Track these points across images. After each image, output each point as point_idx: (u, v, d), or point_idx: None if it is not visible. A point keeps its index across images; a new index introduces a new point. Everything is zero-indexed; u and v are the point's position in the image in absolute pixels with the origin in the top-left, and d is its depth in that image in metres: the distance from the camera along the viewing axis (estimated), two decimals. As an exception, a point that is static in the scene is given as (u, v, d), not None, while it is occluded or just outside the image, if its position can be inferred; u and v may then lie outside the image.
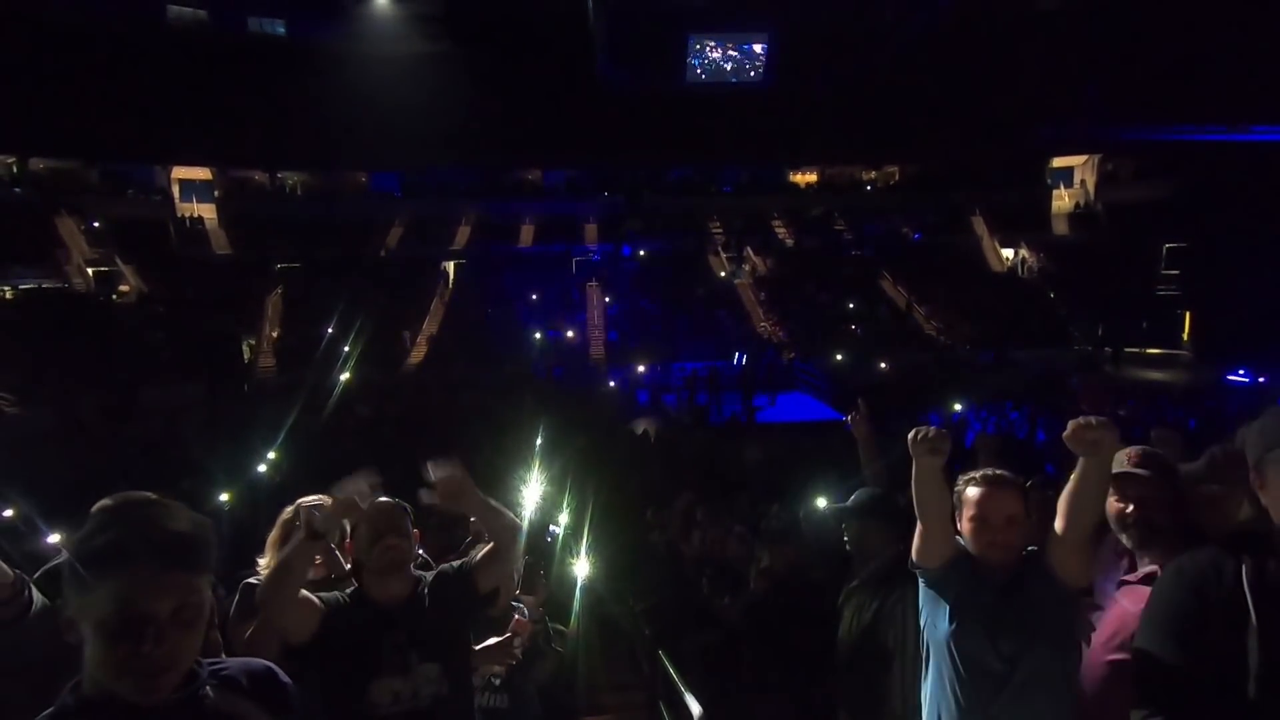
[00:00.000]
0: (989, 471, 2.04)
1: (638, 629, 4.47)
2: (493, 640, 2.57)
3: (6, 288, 22.52)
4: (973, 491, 2.01)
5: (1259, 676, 1.32)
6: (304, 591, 1.94)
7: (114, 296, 23.92)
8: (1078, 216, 30.55)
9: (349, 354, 19.29)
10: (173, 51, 25.92)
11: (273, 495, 6.27)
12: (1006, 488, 2.00)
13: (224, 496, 7.06)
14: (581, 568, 4.10)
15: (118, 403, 16.80)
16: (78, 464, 10.20)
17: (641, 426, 12.89)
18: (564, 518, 4.82)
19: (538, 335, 22.93)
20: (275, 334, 23.51)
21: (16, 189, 25.49)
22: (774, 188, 33.13)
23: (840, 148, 30.73)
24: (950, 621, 1.98)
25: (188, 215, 28.30)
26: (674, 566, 5.02)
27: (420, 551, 2.47)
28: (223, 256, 27.36)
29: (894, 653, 2.44)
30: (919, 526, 2.02)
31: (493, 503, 2.12)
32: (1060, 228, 30.45)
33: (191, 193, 29.05)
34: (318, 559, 2.13)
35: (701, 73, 30.67)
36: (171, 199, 28.48)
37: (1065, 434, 1.78)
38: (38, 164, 26.52)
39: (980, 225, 29.99)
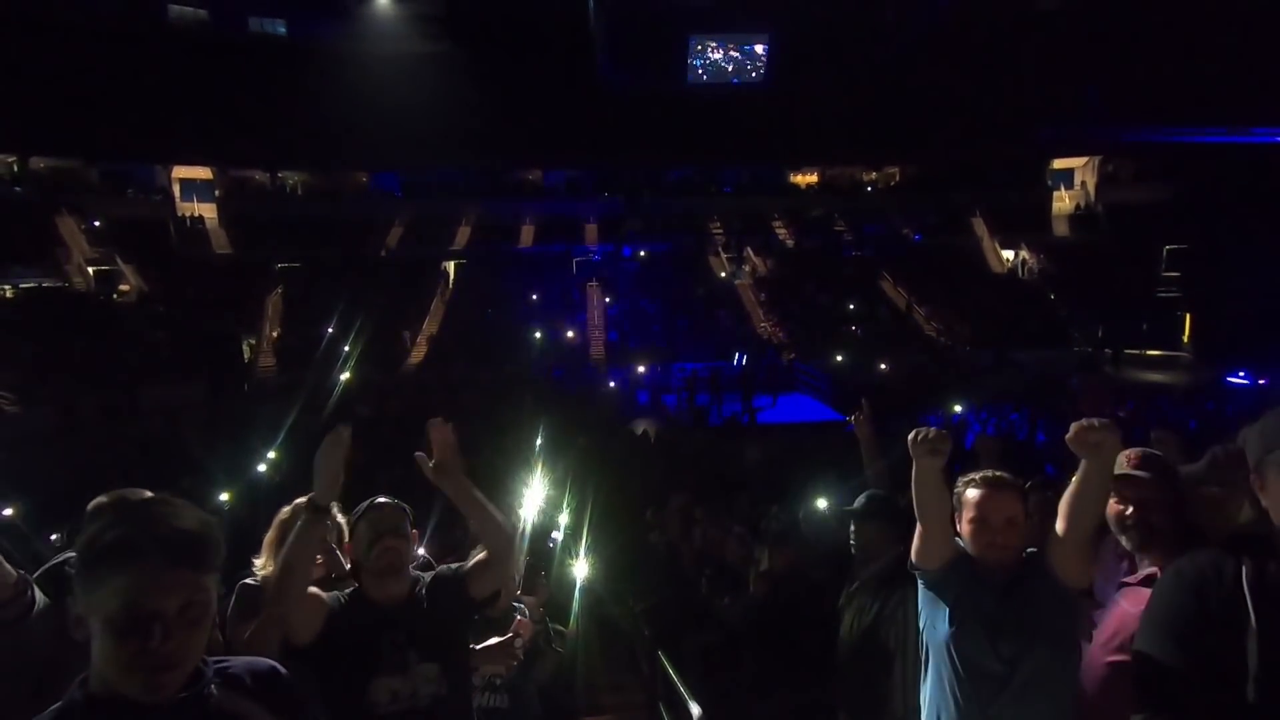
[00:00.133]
0: (989, 473, 2.04)
1: (637, 630, 4.47)
2: (494, 640, 2.57)
3: (7, 287, 22.51)
4: (972, 493, 2.01)
5: (1258, 678, 1.32)
6: (311, 588, 1.93)
7: (114, 296, 23.92)
8: (1078, 218, 30.55)
9: (349, 354, 19.29)
10: (173, 51, 25.98)
11: (272, 495, 6.26)
12: (1006, 489, 2.00)
13: (224, 496, 7.06)
14: (581, 569, 4.10)
15: (118, 402, 16.82)
16: (78, 463, 10.22)
17: (641, 427, 12.91)
18: (564, 518, 4.82)
19: (538, 335, 22.94)
20: (275, 334, 23.52)
21: (17, 188, 25.49)
22: (774, 188, 33.12)
23: (841, 148, 30.75)
24: (950, 623, 1.98)
25: (188, 215, 28.30)
26: (673, 567, 5.02)
27: (422, 551, 2.47)
28: (223, 256, 27.36)
29: (895, 654, 2.44)
30: (918, 527, 2.02)
31: (480, 498, 2.09)
32: (1060, 229, 30.44)
33: (192, 192, 29.06)
34: (319, 558, 2.12)
35: (703, 73, 30.73)
36: (172, 198, 28.49)
37: (1068, 436, 1.78)
38: (38, 163, 26.51)
39: (980, 226, 29.98)
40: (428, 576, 2.17)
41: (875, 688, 2.48)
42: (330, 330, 20.68)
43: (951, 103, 27.57)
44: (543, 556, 3.84)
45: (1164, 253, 25.94)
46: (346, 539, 2.20)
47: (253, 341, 23.07)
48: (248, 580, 2.34)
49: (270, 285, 25.27)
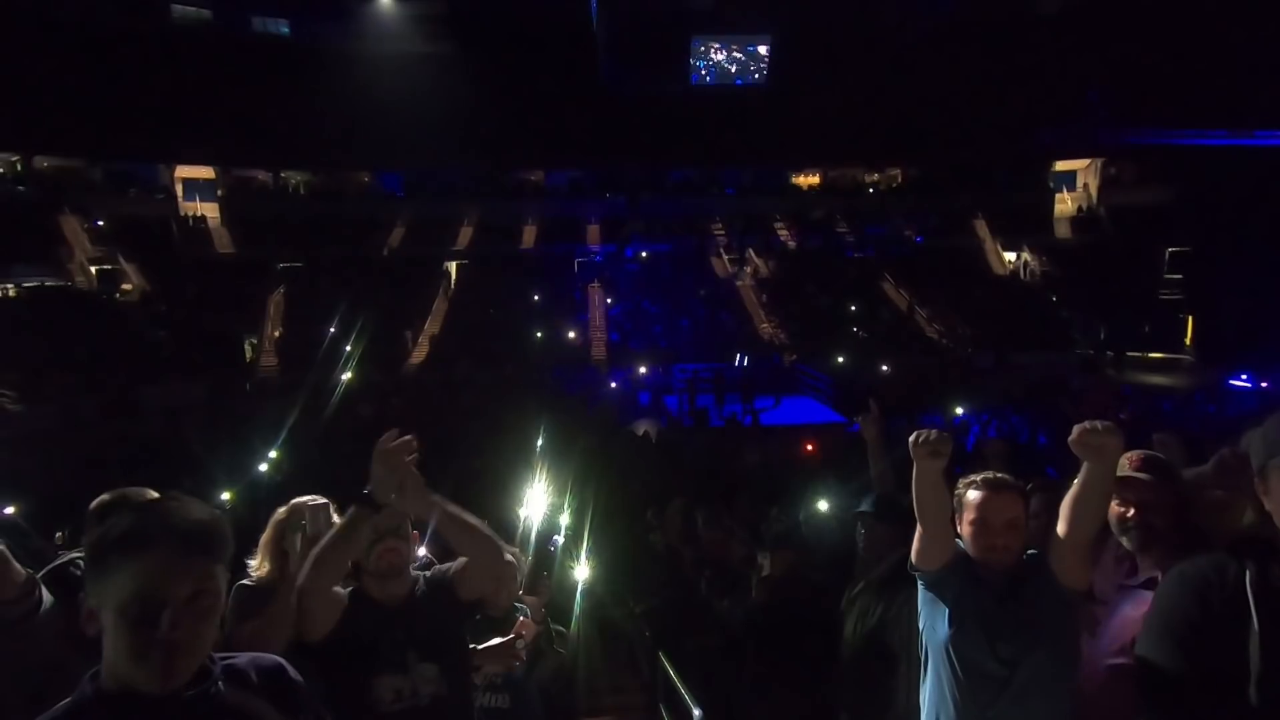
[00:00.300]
0: (990, 475, 2.04)
1: (638, 631, 4.47)
2: (497, 640, 2.57)
3: (10, 285, 22.57)
4: (973, 494, 2.01)
5: (1261, 681, 1.32)
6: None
7: (117, 295, 23.97)
8: (1080, 220, 30.52)
9: (351, 354, 19.30)
10: (177, 51, 26.02)
11: (274, 495, 6.27)
12: (1007, 491, 2.00)
13: (225, 496, 7.05)
14: (582, 570, 4.10)
15: (119, 401, 16.85)
16: (79, 462, 10.22)
17: (642, 428, 12.90)
18: (565, 518, 4.82)
19: (539, 335, 22.94)
20: (277, 333, 23.54)
21: (21, 187, 25.55)
22: (776, 190, 33.12)
23: (843, 150, 30.76)
24: (949, 624, 1.98)
25: (191, 214, 28.35)
26: (674, 568, 5.01)
27: (423, 551, 2.47)
28: (225, 255, 27.40)
29: (899, 656, 2.43)
30: (918, 528, 2.02)
31: (454, 511, 1.96)
32: (1062, 231, 30.41)
33: (195, 191, 29.11)
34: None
35: (706, 74, 30.76)
36: (175, 198, 28.55)
37: (1070, 438, 1.78)
38: (42, 162, 26.57)
39: (982, 228, 29.97)
40: (426, 577, 2.18)
41: (879, 690, 2.47)
42: (332, 330, 20.69)
43: (953, 104, 27.59)
44: (545, 557, 3.84)
45: (1166, 255, 25.92)
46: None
47: (254, 341, 23.12)
48: (244, 581, 2.34)
49: (272, 285, 25.32)
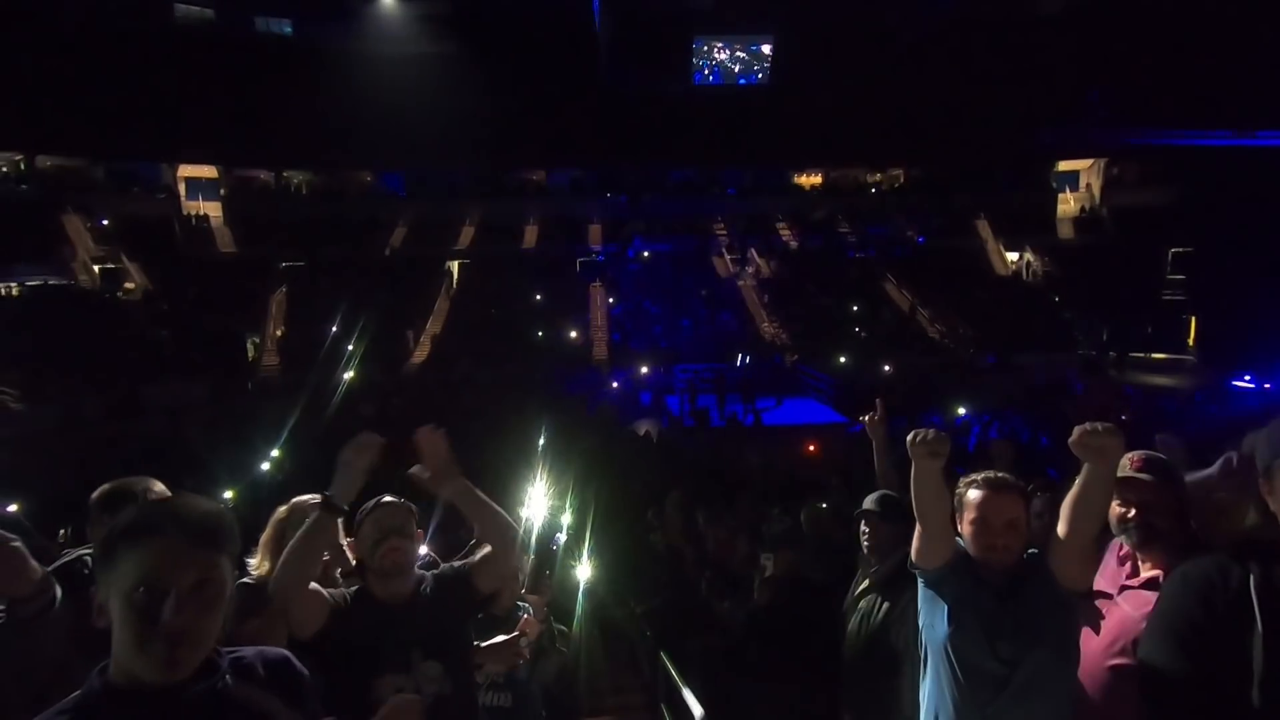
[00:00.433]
0: (990, 474, 2.04)
1: (639, 631, 4.47)
2: (500, 638, 2.57)
3: (13, 284, 22.63)
4: (974, 494, 2.01)
5: (1264, 682, 1.32)
6: (312, 584, 1.94)
7: (119, 294, 24.02)
8: (1082, 220, 30.50)
9: (352, 353, 19.32)
10: (179, 50, 26.04)
11: (275, 494, 6.27)
12: (1008, 491, 2.00)
13: (227, 495, 7.06)
14: (583, 570, 4.10)
15: (121, 400, 16.87)
16: (81, 461, 10.24)
17: (644, 428, 12.90)
18: (566, 518, 4.82)
19: (540, 335, 22.94)
20: (279, 332, 23.58)
21: (23, 186, 25.63)
22: (778, 190, 33.11)
23: (845, 150, 30.74)
24: (949, 623, 1.98)
25: (193, 213, 28.42)
26: (675, 569, 5.01)
27: (426, 550, 2.48)
28: (227, 254, 27.45)
29: (902, 656, 2.43)
30: (918, 528, 2.02)
31: (482, 497, 2.10)
32: (1065, 231, 30.38)
33: (197, 191, 29.17)
34: (325, 555, 2.12)
35: (708, 74, 30.77)
36: (177, 197, 28.61)
37: (1071, 439, 1.78)
38: (44, 161, 26.64)
39: (985, 228, 29.94)
40: (431, 575, 2.18)
41: (882, 689, 2.47)
42: (334, 329, 20.71)
43: (956, 104, 27.55)
44: (546, 557, 3.84)
45: (1169, 256, 25.88)
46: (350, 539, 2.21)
47: (256, 340, 23.16)
48: (244, 579, 2.34)
49: (274, 284, 25.36)
